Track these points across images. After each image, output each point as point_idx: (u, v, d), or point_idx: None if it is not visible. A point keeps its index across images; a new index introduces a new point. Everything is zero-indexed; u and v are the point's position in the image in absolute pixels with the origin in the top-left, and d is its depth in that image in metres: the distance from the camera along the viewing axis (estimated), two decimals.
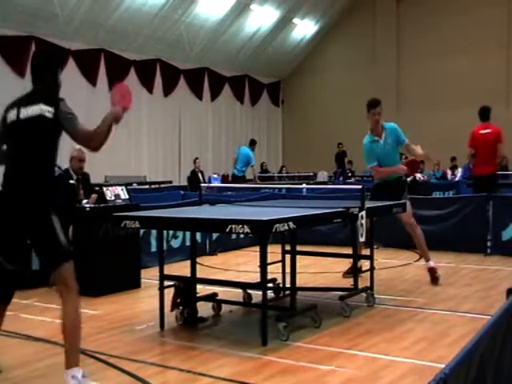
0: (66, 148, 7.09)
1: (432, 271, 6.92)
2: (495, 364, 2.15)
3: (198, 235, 8.45)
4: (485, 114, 9.65)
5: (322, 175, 20.34)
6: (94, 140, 3.85)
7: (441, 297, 6.29)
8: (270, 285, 5.96)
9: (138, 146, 20.04)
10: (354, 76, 24.31)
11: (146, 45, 19.71)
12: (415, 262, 8.47)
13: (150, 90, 20.36)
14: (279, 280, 6.25)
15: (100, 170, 16.14)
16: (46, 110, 3.77)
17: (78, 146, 7.64)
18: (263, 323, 4.64)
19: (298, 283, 5.71)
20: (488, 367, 2.04)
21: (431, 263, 6.97)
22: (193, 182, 16.44)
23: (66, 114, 3.79)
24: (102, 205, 6.81)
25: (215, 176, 19.60)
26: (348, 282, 6.24)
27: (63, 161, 7.28)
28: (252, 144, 15.87)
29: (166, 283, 5.27)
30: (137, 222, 4.88)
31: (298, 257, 5.65)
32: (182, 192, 12.44)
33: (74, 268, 3.85)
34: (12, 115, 3.89)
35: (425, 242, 7.02)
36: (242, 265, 8.61)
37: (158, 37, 19.81)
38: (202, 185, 7.15)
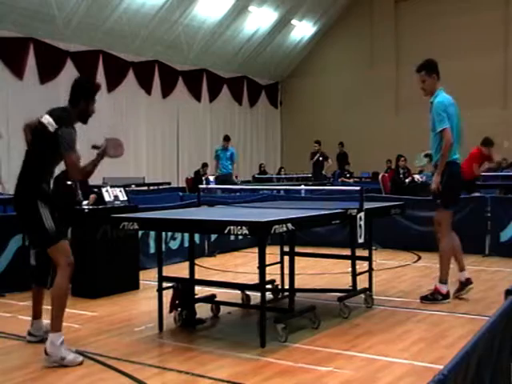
0: None
1: (435, 291, 6.18)
2: (493, 365, 2.16)
3: (197, 237, 8.45)
4: None
5: None
6: (76, 173, 4.67)
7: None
8: (269, 286, 5.96)
9: (136, 148, 20.02)
10: (352, 77, 24.34)
11: (144, 46, 19.71)
12: (414, 263, 8.48)
13: (148, 91, 20.36)
14: (278, 281, 6.24)
15: (98, 172, 16.11)
16: (50, 124, 4.43)
17: None
18: (262, 325, 4.64)
19: (297, 284, 5.71)
20: (486, 368, 2.05)
21: (443, 287, 6.15)
22: (194, 182, 16.40)
23: (62, 139, 4.40)
24: (100, 206, 6.81)
25: (213, 178, 19.56)
26: (348, 284, 6.24)
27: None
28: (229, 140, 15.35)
29: (165, 285, 5.26)
30: (135, 224, 4.88)
31: (296, 258, 5.65)
32: (180, 193, 12.45)
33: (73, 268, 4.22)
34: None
35: (448, 261, 6.24)
36: (241, 266, 8.61)
37: (156, 38, 19.81)
38: (201, 186, 7.15)
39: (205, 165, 17.90)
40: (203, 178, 17.12)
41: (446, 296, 6.13)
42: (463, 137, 6.43)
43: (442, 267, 6.21)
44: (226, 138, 15.28)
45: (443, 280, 6.17)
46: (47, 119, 4.49)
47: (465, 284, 6.26)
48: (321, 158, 18.16)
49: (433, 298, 6.14)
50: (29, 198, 4.46)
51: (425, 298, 6.16)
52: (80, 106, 4.62)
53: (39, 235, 4.50)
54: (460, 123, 6.30)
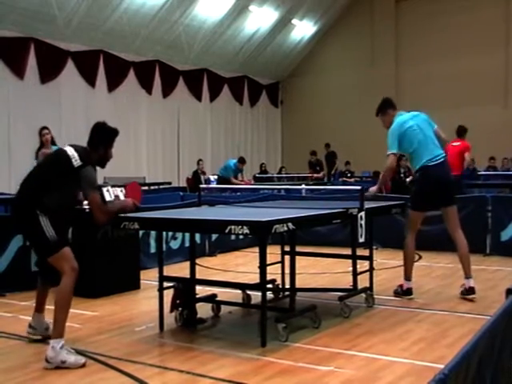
0: None
1: (400, 287, 6.36)
2: (494, 364, 2.15)
3: (198, 236, 8.45)
4: (460, 132, 11.55)
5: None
6: (99, 213, 4.61)
7: (440, 297, 6.29)
8: (270, 286, 5.96)
9: (137, 147, 20.03)
10: (352, 77, 24.32)
11: (145, 46, 19.71)
12: (414, 262, 8.46)
13: (148, 91, 20.36)
14: (278, 281, 6.24)
15: (99, 171, 16.10)
16: (74, 158, 4.49)
17: None
18: (262, 324, 4.64)
19: (298, 284, 5.72)
20: (487, 368, 2.05)
21: (405, 283, 6.31)
22: (194, 183, 16.41)
23: (86, 178, 4.50)
24: None
25: (214, 177, 19.54)
26: (350, 284, 6.23)
27: None
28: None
29: (166, 284, 5.26)
30: (136, 224, 4.88)
31: (297, 257, 5.65)
32: (181, 193, 12.44)
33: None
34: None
35: (410, 258, 6.37)
36: (242, 266, 8.61)
37: (156, 38, 19.81)
38: (202, 186, 7.15)
39: (200, 160, 17.94)
40: (201, 175, 17.15)
41: (405, 292, 6.26)
42: (443, 138, 6.44)
43: (404, 264, 6.39)
44: (243, 161, 16.21)
45: (405, 276, 6.33)
46: (72, 152, 4.52)
47: (466, 292, 6.15)
48: (318, 168, 18.81)
49: (395, 291, 6.35)
50: (28, 207, 4.42)
51: (394, 291, 6.37)
52: (99, 151, 4.69)
53: (41, 245, 4.48)
54: (430, 127, 6.35)
